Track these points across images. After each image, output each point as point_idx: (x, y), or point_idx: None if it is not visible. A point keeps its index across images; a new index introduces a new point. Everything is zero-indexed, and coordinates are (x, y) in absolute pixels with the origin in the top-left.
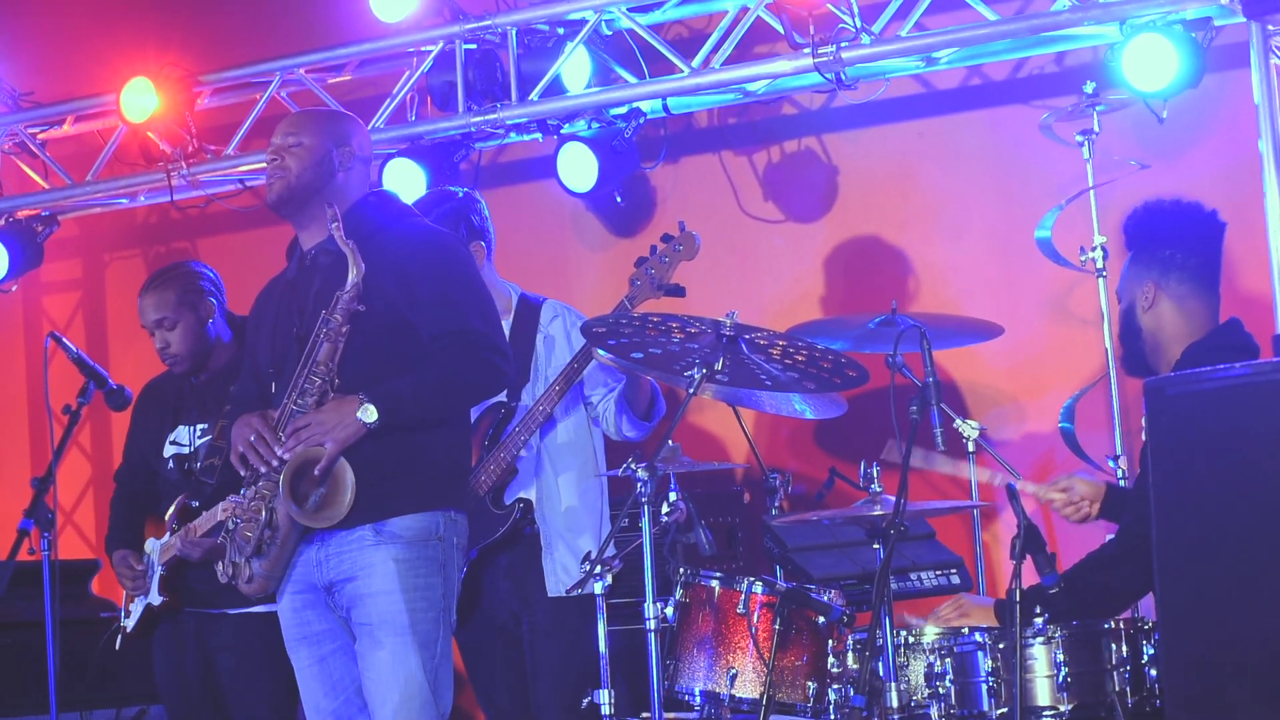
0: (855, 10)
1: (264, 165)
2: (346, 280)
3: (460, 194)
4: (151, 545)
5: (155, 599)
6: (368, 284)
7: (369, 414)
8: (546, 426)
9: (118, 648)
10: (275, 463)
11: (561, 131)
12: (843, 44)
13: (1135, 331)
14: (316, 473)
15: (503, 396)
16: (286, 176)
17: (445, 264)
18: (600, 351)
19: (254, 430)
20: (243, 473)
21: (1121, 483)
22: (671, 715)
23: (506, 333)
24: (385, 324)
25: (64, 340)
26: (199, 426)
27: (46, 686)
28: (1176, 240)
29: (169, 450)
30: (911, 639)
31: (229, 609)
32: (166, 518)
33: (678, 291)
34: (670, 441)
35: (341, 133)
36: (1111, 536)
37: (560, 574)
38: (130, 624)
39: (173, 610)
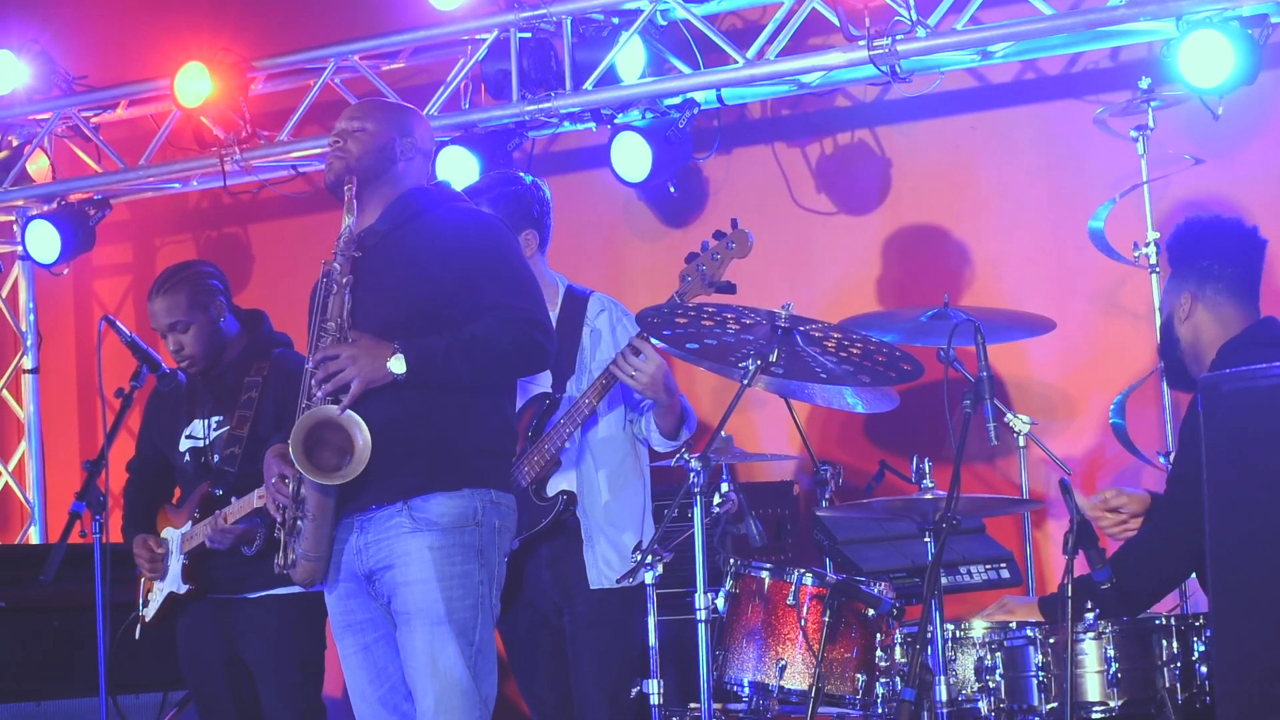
0: (911, 3)
1: (318, 151)
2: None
3: (527, 180)
4: (170, 534)
5: (180, 587)
6: (409, 265)
7: (399, 364)
8: (589, 420)
9: (137, 636)
10: (289, 488)
11: (615, 121)
12: (898, 36)
13: (1173, 343)
14: (339, 414)
15: (547, 387)
16: (347, 159)
17: (487, 245)
18: (654, 341)
19: (274, 473)
20: (275, 517)
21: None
22: (720, 706)
23: (551, 320)
24: (424, 304)
25: (118, 324)
26: (214, 419)
27: (96, 669)
28: (1214, 252)
29: (185, 444)
30: (961, 633)
31: (249, 593)
32: (180, 505)
33: (729, 288)
34: (723, 433)
35: (405, 123)
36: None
37: (602, 566)
38: (150, 612)
39: (197, 597)
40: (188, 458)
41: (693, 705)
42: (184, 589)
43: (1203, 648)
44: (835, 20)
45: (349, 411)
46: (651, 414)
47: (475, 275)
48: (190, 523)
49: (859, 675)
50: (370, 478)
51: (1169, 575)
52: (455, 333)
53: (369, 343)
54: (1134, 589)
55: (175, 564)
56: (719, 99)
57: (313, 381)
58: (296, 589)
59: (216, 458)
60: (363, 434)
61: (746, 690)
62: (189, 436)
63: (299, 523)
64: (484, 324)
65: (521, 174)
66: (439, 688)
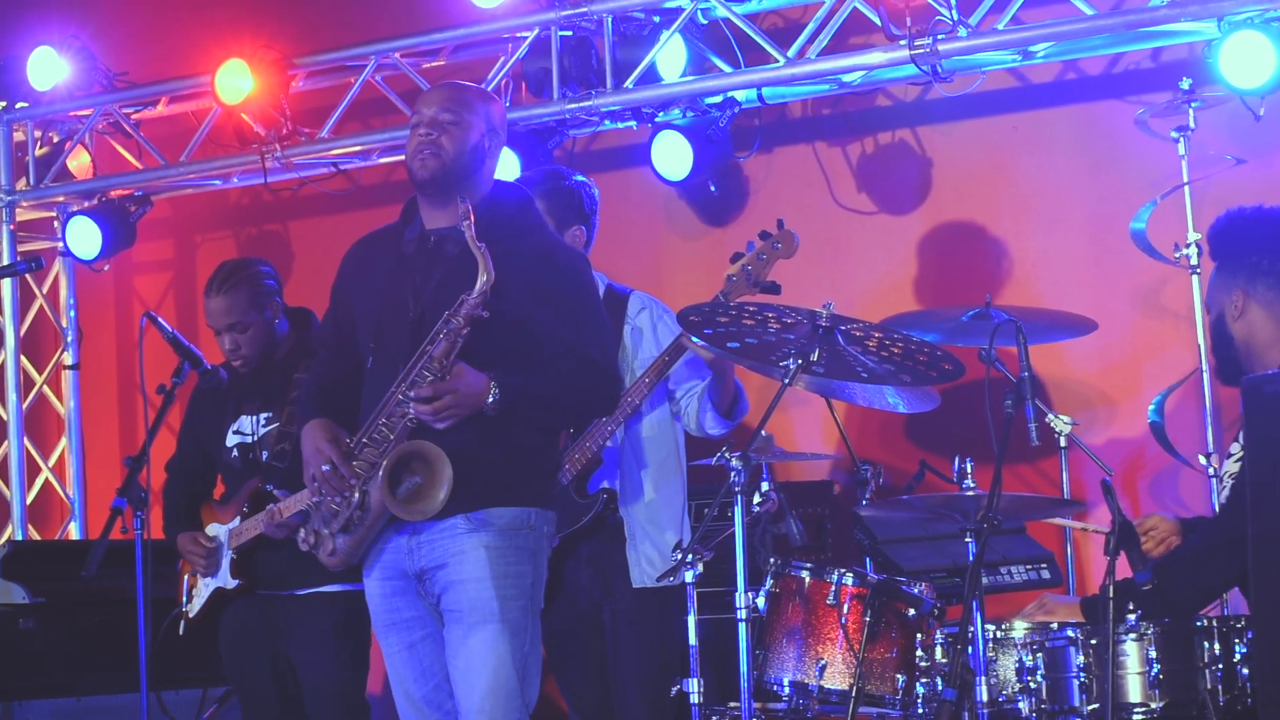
0: (952, 3)
1: (359, 148)
2: (475, 283)
3: (578, 177)
4: (216, 530)
5: (229, 582)
6: (498, 299)
7: (494, 403)
8: (633, 418)
9: (181, 632)
10: (354, 496)
11: (656, 120)
12: (939, 36)
13: (1228, 340)
14: (431, 450)
15: None
16: (442, 158)
17: (577, 285)
18: (695, 340)
19: (325, 459)
20: (313, 499)
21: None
22: (760, 705)
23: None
24: (504, 322)
25: (159, 320)
26: (263, 415)
27: (137, 665)
28: (1262, 247)
29: (232, 439)
30: (1002, 633)
31: (296, 590)
32: (226, 501)
33: (773, 289)
34: (763, 432)
35: (495, 117)
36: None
37: (644, 565)
38: (195, 608)
39: (245, 593)
40: (235, 454)
41: (732, 704)
42: (233, 584)
43: (1244, 650)
44: (876, 20)
45: (438, 449)
46: (704, 396)
47: (560, 319)
48: (239, 518)
49: (899, 675)
50: None
51: (1213, 585)
52: (543, 375)
53: (472, 379)
54: (1176, 597)
55: (224, 560)
56: (760, 98)
57: (398, 407)
58: (343, 586)
59: (264, 454)
60: (449, 470)
61: (786, 690)
62: (236, 432)
63: (357, 525)
64: (567, 370)
65: (572, 171)
66: (486, 686)
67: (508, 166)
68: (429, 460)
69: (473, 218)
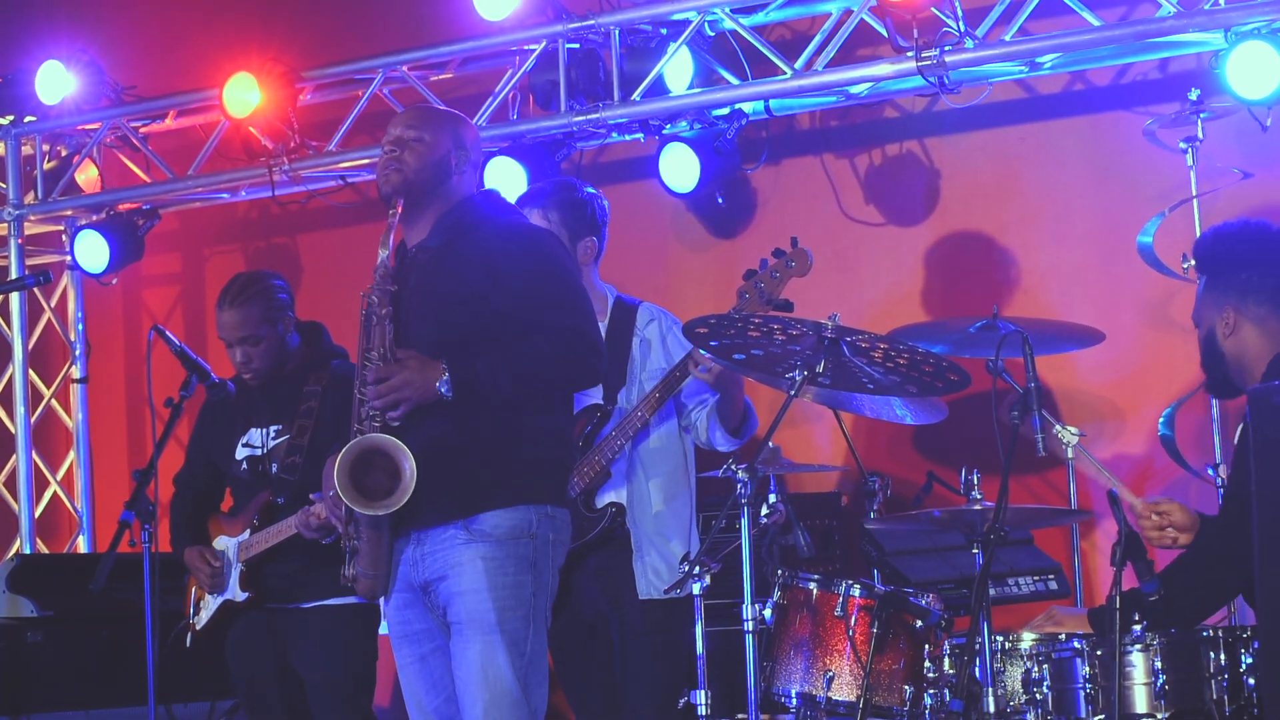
0: (959, 14)
1: (366, 162)
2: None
3: (588, 189)
4: (225, 543)
5: (238, 595)
6: (461, 283)
7: (447, 383)
8: (641, 433)
9: (188, 645)
10: (342, 510)
11: (663, 132)
12: (946, 48)
13: (1219, 357)
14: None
15: (599, 399)
16: (404, 171)
17: (539, 257)
18: (701, 352)
19: (331, 486)
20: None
21: (1219, 487)
22: (767, 717)
23: (602, 335)
24: (477, 322)
25: (167, 333)
26: (272, 428)
27: (144, 678)
28: (1251, 264)
29: (241, 452)
30: (1009, 645)
31: (303, 602)
32: (235, 514)
33: (786, 306)
34: (770, 443)
35: (461, 135)
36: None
37: (651, 576)
38: (202, 620)
39: (255, 606)
40: (244, 466)
41: (740, 716)
42: (242, 597)
43: (1250, 660)
44: (883, 31)
45: (395, 440)
46: (714, 412)
47: (527, 293)
48: (248, 531)
49: (906, 687)
50: (426, 497)
51: (1219, 594)
52: (504, 351)
53: (418, 363)
54: (1182, 606)
55: (233, 572)
56: (767, 110)
57: (363, 409)
58: (350, 599)
59: (274, 467)
60: (409, 462)
61: (794, 701)
62: (246, 445)
63: (355, 542)
64: (533, 342)
65: (581, 183)
66: (488, 698)
67: (514, 179)
68: (386, 451)
69: (400, 202)
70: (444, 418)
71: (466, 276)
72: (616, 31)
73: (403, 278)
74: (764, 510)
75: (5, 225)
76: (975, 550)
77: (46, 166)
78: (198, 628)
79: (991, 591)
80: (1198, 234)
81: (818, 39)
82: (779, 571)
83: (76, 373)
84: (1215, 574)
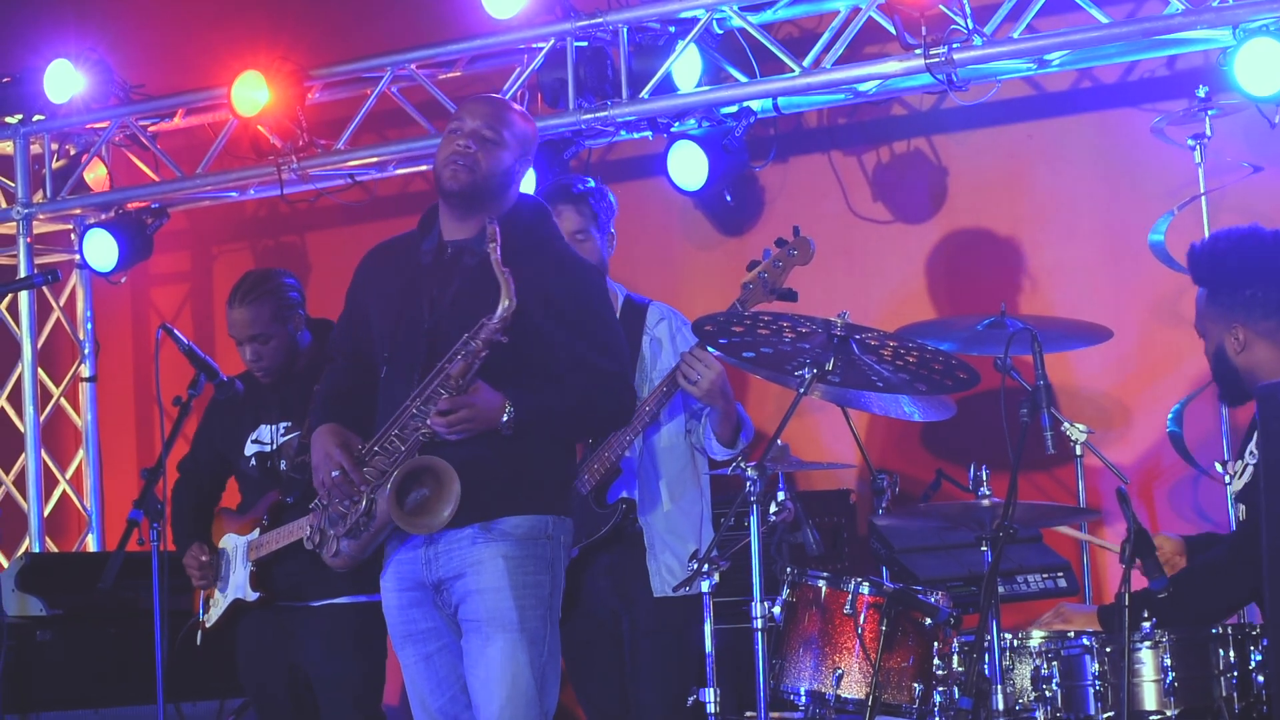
0: (967, 11)
1: (375, 160)
2: (497, 307)
3: (590, 183)
4: (234, 540)
5: (249, 594)
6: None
7: (507, 415)
8: (651, 428)
9: (198, 643)
10: (362, 503)
11: (672, 130)
12: (954, 45)
13: (1232, 371)
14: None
15: None
16: (475, 173)
17: (590, 297)
18: (710, 349)
19: (335, 464)
20: (321, 501)
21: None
22: (777, 715)
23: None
24: (518, 335)
25: (175, 332)
26: (282, 425)
27: (153, 676)
28: (1254, 277)
29: (251, 448)
30: (1018, 642)
31: (312, 601)
32: (244, 512)
33: (790, 296)
34: (779, 441)
35: (531, 145)
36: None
37: (664, 574)
38: (212, 618)
39: (265, 605)
40: (253, 462)
41: (749, 714)
42: (253, 597)
43: (1260, 657)
44: (891, 29)
45: (448, 465)
46: (709, 422)
47: (576, 329)
48: (258, 530)
49: (916, 684)
50: None
51: (1233, 598)
52: (558, 393)
53: (489, 396)
54: (1195, 608)
55: (242, 571)
56: (775, 107)
57: (413, 420)
58: (359, 598)
59: (283, 464)
60: (458, 486)
61: (803, 699)
62: (255, 441)
63: (356, 529)
64: (582, 384)
65: (588, 178)
66: (505, 695)
67: (525, 178)
68: (438, 475)
69: (499, 240)
70: (485, 443)
71: (521, 305)
72: (625, 29)
73: (442, 275)
74: (773, 508)
75: (14, 224)
76: (984, 548)
77: (55, 165)
78: (207, 625)
79: (1000, 589)
80: (1206, 230)
81: (826, 37)
82: (788, 569)
83: (85, 371)
84: (1233, 578)
